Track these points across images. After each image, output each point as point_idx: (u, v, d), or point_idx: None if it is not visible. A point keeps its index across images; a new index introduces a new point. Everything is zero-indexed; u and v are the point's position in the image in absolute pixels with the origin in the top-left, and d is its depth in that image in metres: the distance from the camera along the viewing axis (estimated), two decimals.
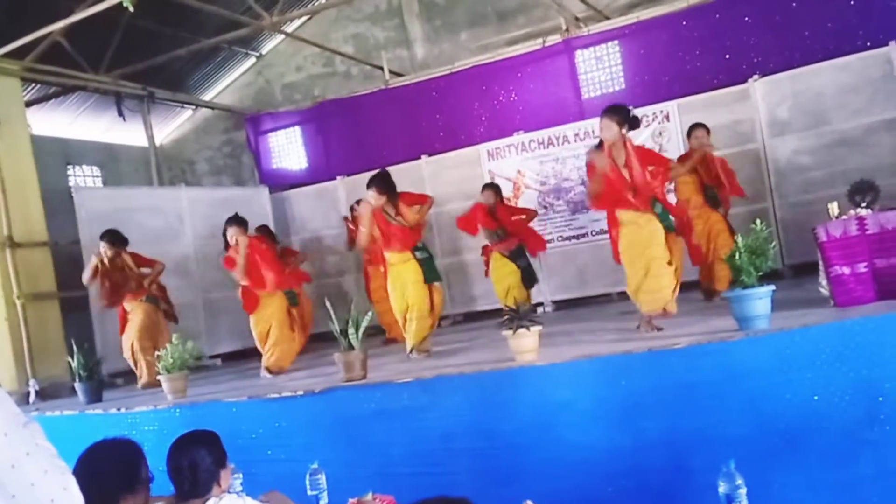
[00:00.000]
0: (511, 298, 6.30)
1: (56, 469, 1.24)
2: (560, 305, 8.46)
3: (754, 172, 7.71)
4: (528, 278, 7.34)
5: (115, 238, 7.25)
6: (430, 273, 5.96)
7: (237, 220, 6.70)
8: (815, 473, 3.60)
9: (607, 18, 9.64)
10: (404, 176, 7.88)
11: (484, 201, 7.30)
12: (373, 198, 5.91)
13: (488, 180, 8.32)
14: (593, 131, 7.75)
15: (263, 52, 12.46)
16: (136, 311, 7.23)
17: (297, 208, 10.29)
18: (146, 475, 2.56)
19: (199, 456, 2.55)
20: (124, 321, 7.30)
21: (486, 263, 7.47)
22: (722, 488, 2.71)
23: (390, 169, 6.45)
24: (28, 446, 1.22)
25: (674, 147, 7.81)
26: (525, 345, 4.39)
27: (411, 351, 5.93)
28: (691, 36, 8.64)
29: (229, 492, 2.72)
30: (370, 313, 5.18)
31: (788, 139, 7.73)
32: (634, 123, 5.09)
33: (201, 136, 12.80)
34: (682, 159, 6.59)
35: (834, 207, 4.59)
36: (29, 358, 7.61)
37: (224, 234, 6.74)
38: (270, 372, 6.56)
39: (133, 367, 7.26)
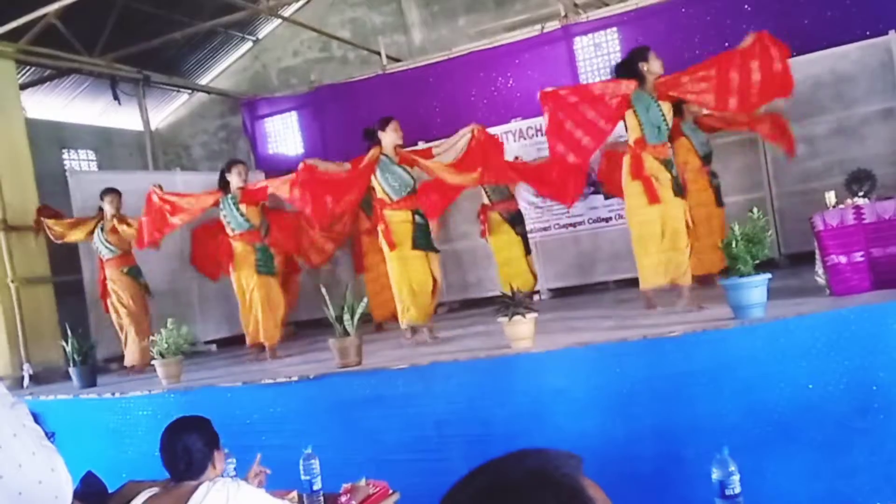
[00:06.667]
0: (512, 269, 6.27)
1: (43, 450, 1.22)
2: (556, 293, 8.45)
3: (752, 161, 7.67)
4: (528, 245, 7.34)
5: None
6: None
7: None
8: (809, 461, 3.61)
9: (606, 5, 9.57)
10: None
11: None
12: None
13: None
14: None
15: (260, 36, 12.35)
16: (120, 286, 7.27)
17: None
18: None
19: (191, 439, 2.62)
20: (105, 287, 7.34)
21: (483, 223, 7.40)
22: (715, 475, 2.72)
23: None
24: (15, 427, 1.20)
25: None
26: (520, 332, 4.38)
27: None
28: (690, 23, 8.59)
29: (223, 476, 2.73)
30: (365, 300, 5.14)
31: None
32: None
33: (197, 121, 12.72)
34: None
35: (831, 196, 4.58)
36: (23, 342, 7.58)
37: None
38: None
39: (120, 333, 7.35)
